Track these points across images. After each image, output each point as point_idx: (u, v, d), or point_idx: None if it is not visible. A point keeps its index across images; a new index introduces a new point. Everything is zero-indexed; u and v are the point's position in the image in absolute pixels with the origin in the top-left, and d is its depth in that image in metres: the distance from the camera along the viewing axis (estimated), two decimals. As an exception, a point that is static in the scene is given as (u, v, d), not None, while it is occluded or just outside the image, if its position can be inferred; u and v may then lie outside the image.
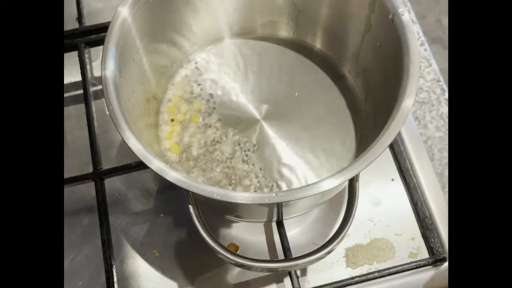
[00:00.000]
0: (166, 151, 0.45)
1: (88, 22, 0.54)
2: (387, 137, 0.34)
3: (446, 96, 0.53)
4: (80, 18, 0.54)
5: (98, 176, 0.45)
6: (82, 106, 0.48)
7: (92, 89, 0.50)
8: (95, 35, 0.52)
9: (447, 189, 0.47)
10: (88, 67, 0.51)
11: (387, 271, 0.42)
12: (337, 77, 0.48)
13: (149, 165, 0.33)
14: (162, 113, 0.47)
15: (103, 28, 0.52)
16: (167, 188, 0.47)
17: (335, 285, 0.42)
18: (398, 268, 0.42)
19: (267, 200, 0.32)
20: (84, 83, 0.49)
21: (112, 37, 0.38)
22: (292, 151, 0.45)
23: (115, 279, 0.42)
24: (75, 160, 0.48)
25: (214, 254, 0.35)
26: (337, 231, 0.35)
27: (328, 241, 0.35)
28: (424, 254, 0.44)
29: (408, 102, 0.35)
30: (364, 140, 0.44)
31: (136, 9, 0.40)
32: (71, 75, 0.54)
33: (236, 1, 0.48)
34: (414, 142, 0.49)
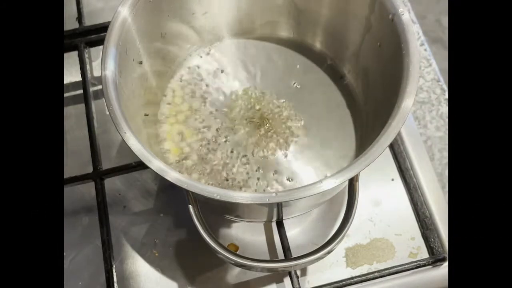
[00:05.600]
0: (165, 151, 0.45)
1: (88, 22, 0.54)
2: (387, 137, 0.34)
3: (446, 96, 0.53)
4: (80, 18, 0.54)
5: (98, 176, 0.45)
6: (82, 106, 0.48)
7: (92, 89, 0.50)
8: (95, 35, 0.52)
9: (447, 189, 0.47)
10: (88, 67, 0.51)
11: (387, 271, 0.42)
12: (337, 77, 0.48)
13: (149, 165, 0.33)
14: (162, 113, 0.47)
15: (103, 28, 0.52)
16: (167, 188, 0.47)
17: (335, 285, 0.42)
18: (398, 268, 0.42)
19: (267, 200, 0.32)
20: (84, 83, 0.49)
21: (112, 37, 0.38)
22: (292, 151, 0.45)
23: (115, 279, 0.42)
24: (75, 160, 0.48)
25: (214, 254, 0.35)
26: (337, 231, 0.35)
27: (328, 241, 0.35)
28: (424, 254, 0.44)
29: (408, 102, 0.35)
30: (364, 140, 0.44)
31: (136, 9, 0.40)
32: (71, 75, 0.54)
33: (236, 1, 0.48)
34: (414, 142, 0.49)
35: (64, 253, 0.45)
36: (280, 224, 0.43)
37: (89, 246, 0.45)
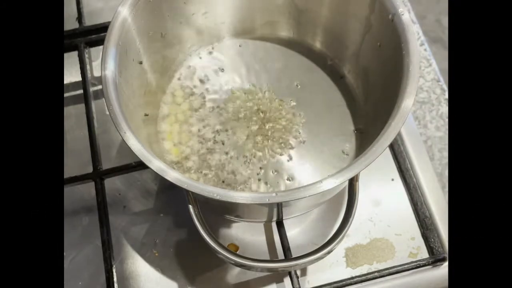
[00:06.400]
0: (165, 152, 0.45)
1: (88, 22, 0.54)
2: (387, 137, 0.34)
3: (446, 96, 0.53)
4: (80, 18, 0.54)
5: (98, 176, 0.45)
6: (82, 106, 0.48)
7: (92, 89, 0.50)
8: (95, 35, 0.52)
9: (447, 189, 0.47)
10: (88, 67, 0.51)
11: (387, 271, 0.42)
12: (337, 77, 0.48)
13: (149, 165, 0.33)
14: (162, 113, 0.47)
15: (103, 28, 0.52)
16: (167, 188, 0.47)
17: (335, 285, 0.42)
18: (398, 268, 0.42)
19: (267, 200, 0.32)
20: (84, 83, 0.49)
21: (112, 37, 0.38)
22: (292, 151, 0.45)
23: (115, 279, 0.42)
24: (75, 160, 0.48)
25: (214, 254, 0.35)
26: (337, 231, 0.35)
27: (328, 241, 0.35)
28: (424, 254, 0.44)
29: (408, 102, 0.35)
30: (364, 140, 0.44)
31: (136, 9, 0.40)
32: (71, 75, 0.54)
33: (236, 1, 0.48)
34: (414, 142, 0.49)
35: (64, 253, 0.45)
36: (280, 224, 0.43)
37: (89, 246, 0.45)
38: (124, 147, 0.46)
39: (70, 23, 0.55)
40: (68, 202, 0.46)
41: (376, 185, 0.47)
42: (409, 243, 0.45)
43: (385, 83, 0.40)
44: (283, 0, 0.48)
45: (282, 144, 0.45)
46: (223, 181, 0.43)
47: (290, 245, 0.43)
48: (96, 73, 0.53)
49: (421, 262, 0.43)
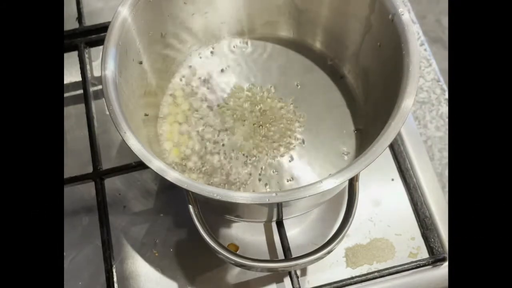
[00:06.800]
0: (165, 152, 0.45)
1: (88, 22, 0.54)
2: (387, 137, 0.34)
3: (446, 96, 0.53)
4: (80, 18, 0.54)
5: (98, 176, 0.45)
6: (82, 106, 0.48)
7: (92, 89, 0.50)
8: (95, 35, 0.52)
9: (447, 189, 0.47)
10: (88, 67, 0.51)
11: (387, 271, 0.42)
12: (337, 77, 0.48)
13: (149, 165, 0.33)
14: (162, 113, 0.47)
15: (103, 28, 0.52)
16: (167, 188, 0.47)
17: (335, 285, 0.42)
18: (398, 268, 0.42)
19: (267, 200, 0.32)
20: (84, 83, 0.49)
21: (112, 37, 0.38)
22: (292, 151, 0.45)
23: (115, 279, 0.42)
24: (75, 160, 0.48)
25: (214, 254, 0.35)
26: (337, 231, 0.35)
27: (328, 241, 0.35)
28: (424, 254, 0.44)
29: (408, 102, 0.35)
30: (364, 140, 0.44)
31: (136, 9, 0.40)
32: (71, 75, 0.54)
33: (236, 1, 0.48)
34: (414, 142, 0.49)
35: (64, 253, 0.45)
36: (280, 224, 0.43)
37: (89, 246, 0.45)
38: (124, 147, 0.46)
39: (70, 23, 0.55)
40: (68, 202, 0.46)
41: (376, 185, 0.47)
42: (409, 243, 0.45)
43: (385, 83, 0.40)
44: (283, 0, 0.48)
45: (282, 144, 0.45)
46: (222, 181, 0.43)
47: (290, 245, 0.43)
48: (96, 73, 0.53)
49: (421, 262, 0.43)
